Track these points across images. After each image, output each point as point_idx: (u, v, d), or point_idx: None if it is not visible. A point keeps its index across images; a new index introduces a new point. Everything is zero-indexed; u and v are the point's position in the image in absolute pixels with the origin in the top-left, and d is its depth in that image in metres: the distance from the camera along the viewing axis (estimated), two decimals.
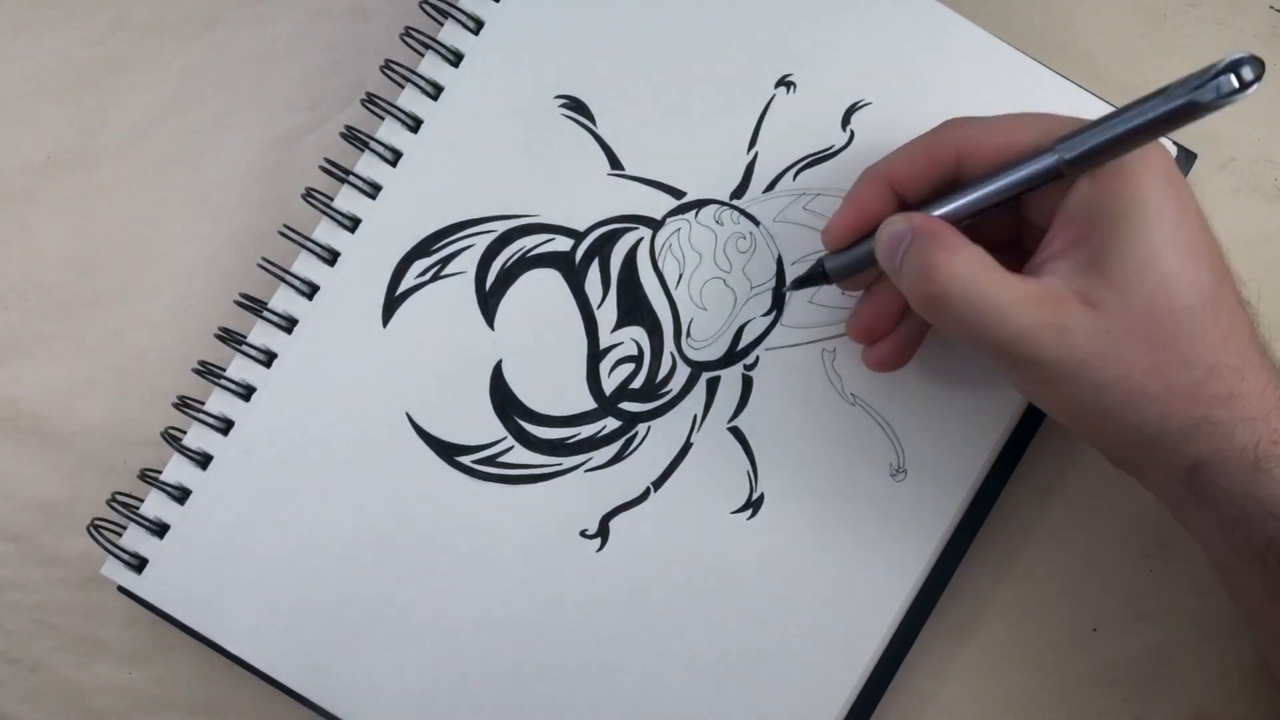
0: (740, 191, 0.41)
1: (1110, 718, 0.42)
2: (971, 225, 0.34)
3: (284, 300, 0.41)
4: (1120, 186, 0.32)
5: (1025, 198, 0.34)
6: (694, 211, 0.41)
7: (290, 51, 0.44)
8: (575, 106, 0.41)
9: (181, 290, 0.44)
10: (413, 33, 0.40)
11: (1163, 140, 0.32)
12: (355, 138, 0.41)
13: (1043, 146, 0.32)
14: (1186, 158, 0.41)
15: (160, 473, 0.41)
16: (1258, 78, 0.28)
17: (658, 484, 0.40)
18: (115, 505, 0.40)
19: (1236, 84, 0.28)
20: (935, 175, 0.35)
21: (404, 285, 0.40)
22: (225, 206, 0.44)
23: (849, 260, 0.37)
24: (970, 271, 0.32)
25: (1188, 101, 0.29)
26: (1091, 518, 0.43)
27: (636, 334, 0.41)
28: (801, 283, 0.39)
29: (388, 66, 0.40)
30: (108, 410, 0.43)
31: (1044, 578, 0.43)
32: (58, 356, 0.43)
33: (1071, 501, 0.43)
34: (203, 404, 0.41)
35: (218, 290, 0.43)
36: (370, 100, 0.40)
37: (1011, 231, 0.36)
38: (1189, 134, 0.41)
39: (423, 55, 0.41)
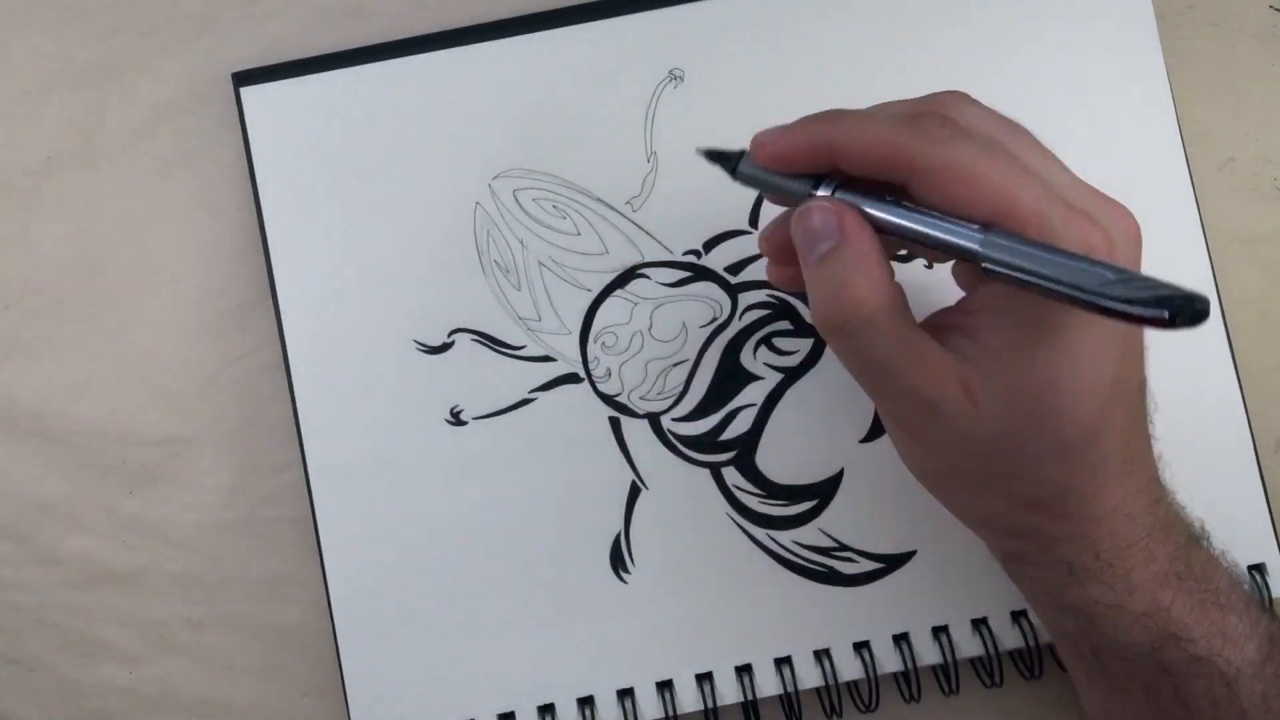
0: (577, 379, 0.41)
1: None
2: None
3: None
4: (1046, 305, 0.30)
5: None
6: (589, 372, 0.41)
7: (290, 51, 0.44)
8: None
9: (181, 290, 0.43)
10: None
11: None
12: None
13: (978, 224, 0.29)
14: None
15: None
16: (1193, 321, 0.25)
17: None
18: None
19: (1165, 318, 0.25)
20: (881, 176, 0.31)
21: None
22: (225, 206, 0.44)
23: (761, 182, 0.34)
24: (877, 318, 0.30)
25: (1099, 302, 0.26)
26: None
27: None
28: (713, 156, 0.35)
29: None
30: (108, 410, 0.43)
31: None
32: (58, 356, 0.43)
33: None
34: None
35: (218, 290, 0.43)
36: None
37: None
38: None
39: None
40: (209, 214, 0.44)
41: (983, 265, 0.29)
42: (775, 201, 0.35)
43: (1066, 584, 0.33)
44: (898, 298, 0.31)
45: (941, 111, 0.31)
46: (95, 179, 0.44)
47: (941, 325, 0.33)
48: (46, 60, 0.44)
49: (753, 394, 0.41)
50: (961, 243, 0.30)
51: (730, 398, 0.41)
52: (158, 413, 0.43)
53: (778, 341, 0.41)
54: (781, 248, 0.34)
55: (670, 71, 0.41)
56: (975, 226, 0.29)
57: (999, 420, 0.31)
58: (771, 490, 0.40)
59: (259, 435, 0.43)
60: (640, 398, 0.41)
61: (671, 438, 0.41)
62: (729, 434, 0.41)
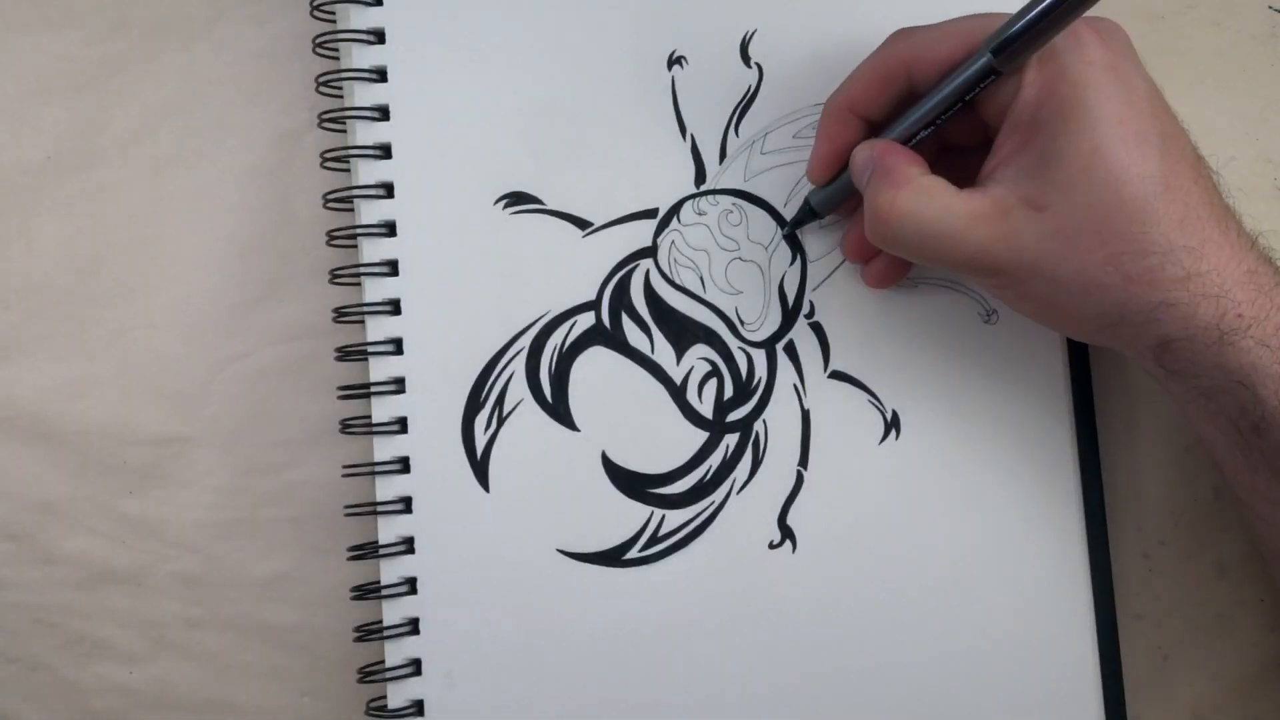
0: (701, 176, 0.41)
1: None
2: (937, 134, 0.35)
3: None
4: (1060, 86, 0.32)
5: (981, 104, 0.34)
6: (674, 219, 0.41)
7: (290, 51, 0.44)
8: (519, 199, 0.41)
9: (181, 290, 0.43)
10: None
11: (1117, 25, 0.33)
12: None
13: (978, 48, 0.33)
14: None
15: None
16: None
17: (804, 463, 0.40)
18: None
19: None
20: (891, 93, 0.36)
21: (480, 446, 0.40)
22: (225, 206, 0.44)
23: (832, 192, 0.39)
24: (915, 205, 0.34)
25: None
26: None
27: (700, 351, 0.41)
28: (797, 223, 0.41)
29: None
30: (108, 410, 0.43)
31: None
32: (58, 356, 0.43)
33: None
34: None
35: (218, 290, 0.43)
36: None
37: (981, 134, 0.36)
38: None
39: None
40: (209, 214, 0.44)
41: (996, 58, 0.32)
42: (847, 214, 0.40)
43: (1222, 354, 0.33)
44: (933, 185, 0.34)
45: (901, 30, 0.36)
46: (95, 179, 0.44)
47: (986, 175, 0.35)
48: (46, 60, 0.44)
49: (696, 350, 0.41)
50: (973, 67, 0.33)
51: (675, 338, 0.41)
52: (158, 413, 0.43)
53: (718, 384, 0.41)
54: (859, 244, 0.39)
55: None
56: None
57: (1070, 208, 0.32)
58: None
59: (259, 435, 0.43)
60: (665, 259, 0.41)
61: (647, 286, 0.41)
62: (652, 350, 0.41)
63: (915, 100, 0.35)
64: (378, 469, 0.40)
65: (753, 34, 0.41)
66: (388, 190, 0.41)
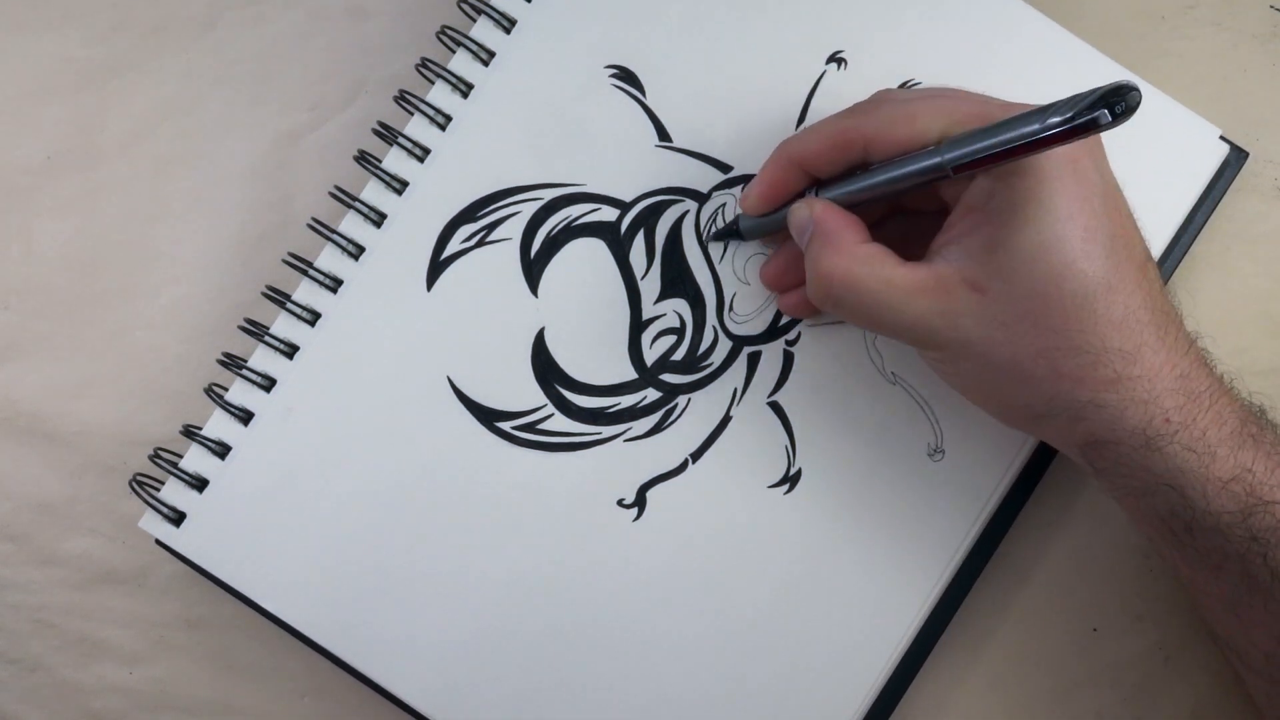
0: None
1: (1110, 718, 0.42)
2: (894, 197, 0.35)
3: (331, 260, 0.41)
4: (1016, 176, 0.32)
5: (936, 182, 0.34)
6: (740, 187, 0.41)
7: (290, 51, 0.44)
8: (625, 77, 0.41)
9: (181, 290, 0.43)
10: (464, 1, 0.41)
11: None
12: (406, 101, 0.41)
13: (932, 145, 0.33)
14: (1238, 156, 0.41)
15: (202, 428, 0.40)
16: (1128, 111, 0.28)
17: (696, 456, 0.40)
18: (158, 460, 0.40)
19: (1108, 118, 0.28)
20: (842, 160, 0.36)
21: (449, 250, 0.41)
22: (225, 206, 0.44)
23: (762, 224, 0.39)
24: (856, 274, 0.34)
25: (1049, 130, 0.29)
26: (1091, 518, 0.43)
27: (679, 306, 0.41)
28: (718, 237, 0.41)
29: (443, 32, 0.40)
30: (107, 410, 0.43)
31: (1044, 578, 0.43)
32: (58, 356, 0.43)
33: (1071, 502, 0.43)
34: (246, 362, 0.40)
35: (218, 290, 0.43)
36: (424, 65, 0.41)
37: (937, 202, 0.36)
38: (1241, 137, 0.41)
39: (474, 20, 0.41)
40: (209, 214, 0.44)
41: (949, 165, 0.32)
42: (769, 242, 0.41)
43: (1149, 458, 0.33)
44: (875, 255, 0.34)
45: (873, 98, 0.36)
46: (95, 179, 0.44)
47: (934, 250, 0.34)
48: (46, 60, 0.44)
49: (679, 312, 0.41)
50: (924, 163, 0.33)
51: (668, 281, 0.41)
52: (158, 413, 0.43)
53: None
54: (778, 274, 0.39)
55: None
56: (930, 148, 0.33)
57: (1010, 297, 0.32)
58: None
59: None
60: (706, 213, 0.41)
61: (677, 224, 0.41)
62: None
63: (863, 168, 0.35)
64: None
65: (913, 85, 0.41)
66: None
